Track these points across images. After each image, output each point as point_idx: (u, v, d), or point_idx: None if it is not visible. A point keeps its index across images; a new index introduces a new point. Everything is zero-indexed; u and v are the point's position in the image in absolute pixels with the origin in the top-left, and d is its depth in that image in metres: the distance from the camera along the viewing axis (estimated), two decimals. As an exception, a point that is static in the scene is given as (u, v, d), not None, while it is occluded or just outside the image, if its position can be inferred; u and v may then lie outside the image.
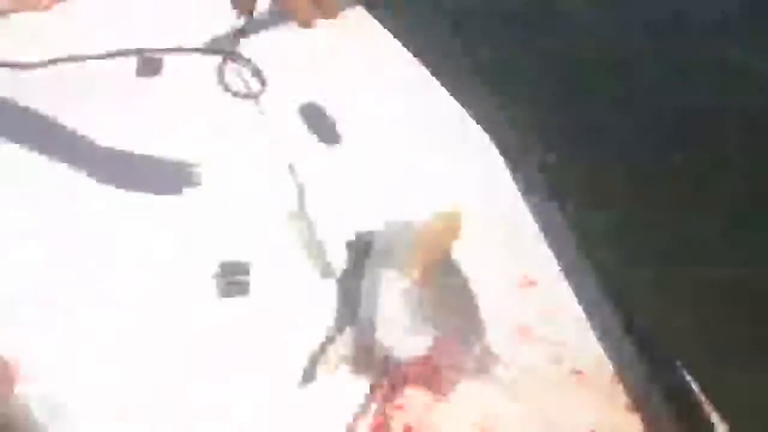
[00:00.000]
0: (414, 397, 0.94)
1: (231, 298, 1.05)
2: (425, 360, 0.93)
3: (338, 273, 1.09)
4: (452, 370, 0.94)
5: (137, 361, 0.97)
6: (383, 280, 0.98)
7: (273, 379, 0.96)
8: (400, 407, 0.93)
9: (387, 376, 0.94)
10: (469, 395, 0.95)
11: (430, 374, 0.94)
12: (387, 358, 0.93)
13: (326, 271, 1.10)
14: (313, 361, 0.96)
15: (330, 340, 0.99)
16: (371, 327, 0.95)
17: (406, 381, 0.94)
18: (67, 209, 1.14)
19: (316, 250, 1.13)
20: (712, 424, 0.88)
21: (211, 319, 1.03)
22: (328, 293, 1.07)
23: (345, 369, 0.97)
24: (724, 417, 0.91)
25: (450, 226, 1.06)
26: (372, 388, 0.94)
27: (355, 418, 0.91)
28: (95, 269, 1.07)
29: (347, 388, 0.95)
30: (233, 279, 1.06)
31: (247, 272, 1.07)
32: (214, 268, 1.08)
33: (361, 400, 0.93)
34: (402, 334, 0.94)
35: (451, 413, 0.94)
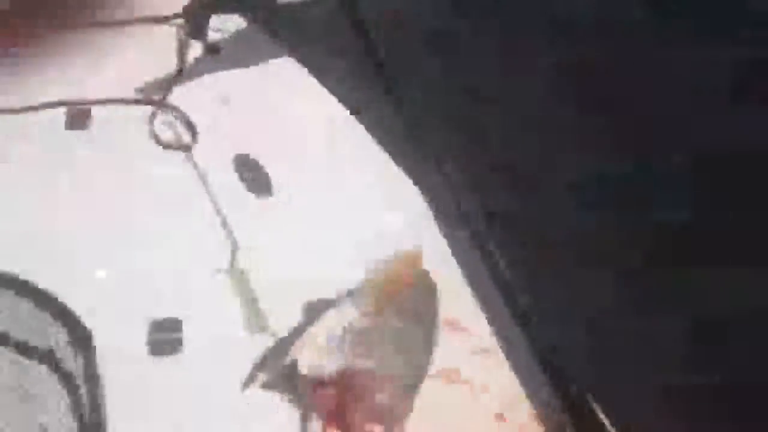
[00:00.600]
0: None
1: (163, 356, 1.06)
2: (330, 386, 0.96)
3: (272, 328, 1.11)
4: (359, 409, 0.96)
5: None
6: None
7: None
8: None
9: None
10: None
11: (337, 407, 0.97)
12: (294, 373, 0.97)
13: (261, 326, 1.12)
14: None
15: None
16: (288, 345, 0.99)
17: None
18: None
19: (250, 304, 1.15)
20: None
21: (143, 377, 1.03)
22: (263, 347, 1.08)
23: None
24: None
25: (410, 264, 1.11)
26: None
27: None
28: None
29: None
30: (165, 336, 1.07)
31: (179, 329, 1.08)
32: (145, 326, 1.08)
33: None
34: (316, 354, 0.97)
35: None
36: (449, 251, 1.29)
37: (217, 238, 1.25)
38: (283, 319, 1.11)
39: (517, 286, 1.17)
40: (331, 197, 1.35)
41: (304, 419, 0.97)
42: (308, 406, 0.98)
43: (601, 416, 1.00)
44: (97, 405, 0.93)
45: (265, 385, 1.02)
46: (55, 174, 1.33)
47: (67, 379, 0.95)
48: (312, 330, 1.01)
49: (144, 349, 1.07)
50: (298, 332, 1.05)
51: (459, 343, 1.13)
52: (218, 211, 1.29)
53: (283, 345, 1.04)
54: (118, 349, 1.05)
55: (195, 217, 1.28)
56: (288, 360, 0.99)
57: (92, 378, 0.95)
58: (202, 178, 1.36)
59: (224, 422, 0.98)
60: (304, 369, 0.97)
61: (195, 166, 1.39)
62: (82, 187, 1.31)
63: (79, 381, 0.95)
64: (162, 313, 1.10)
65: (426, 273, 1.15)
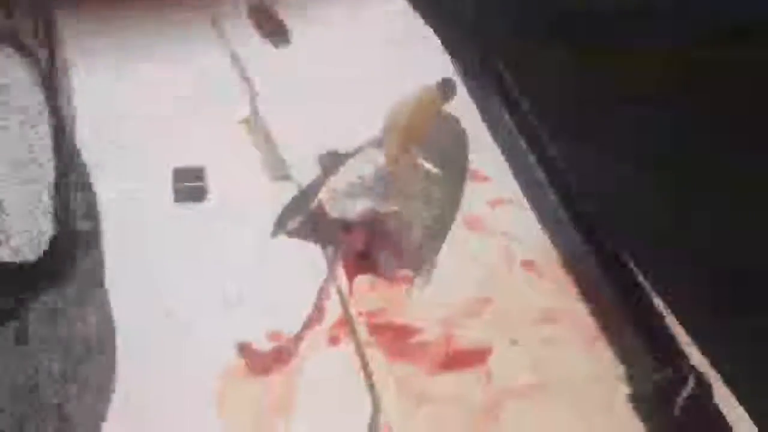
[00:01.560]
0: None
1: (187, 203, 1.04)
2: (357, 228, 0.95)
3: (294, 176, 1.08)
4: (387, 251, 0.95)
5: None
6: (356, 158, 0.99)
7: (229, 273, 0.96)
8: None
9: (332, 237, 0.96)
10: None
11: (365, 249, 0.96)
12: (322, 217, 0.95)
13: (282, 175, 1.10)
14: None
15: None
16: (314, 191, 0.97)
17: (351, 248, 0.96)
18: None
19: (271, 153, 1.12)
20: (661, 313, 0.91)
21: (168, 224, 1.02)
22: (286, 194, 1.06)
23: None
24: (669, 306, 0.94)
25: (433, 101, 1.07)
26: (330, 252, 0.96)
27: (325, 282, 0.93)
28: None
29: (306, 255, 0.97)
30: (188, 185, 1.04)
31: (202, 177, 1.06)
32: (169, 174, 1.06)
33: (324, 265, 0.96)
34: (341, 198, 0.95)
35: (412, 303, 0.95)
36: (473, 102, 1.25)
37: (236, 88, 1.21)
38: (305, 167, 1.08)
39: (544, 137, 1.14)
40: (351, 49, 1.30)
41: (331, 264, 0.96)
42: (335, 250, 0.96)
43: (633, 267, 0.98)
44: None
45: (293, 232, 1.00)
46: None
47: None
48: (338, 174, 0.98)
49: (170, 196, 1.04)
50: (323, 178, 1.02)
51: (483, 193, 1.10)
52: (236, 60, 1.24)
53: (310, 191, 1.01)
54: (143, 198, 1.03)
55: (214, 66, 1.24)
56: (315, 205, 0.96)
57: None
58: (219, 27, 1.30)
59: (250, 268, 0.97)
60: (331, 212, 0.95)
61: (211, 17, 1.33)
62: (96, 40, 1.25)
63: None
64: (185, 161, 1.07)
65: (456, 119, 1.11)
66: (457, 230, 1.03)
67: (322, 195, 0.96)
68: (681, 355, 0.84)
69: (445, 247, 1.00)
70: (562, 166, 1.09)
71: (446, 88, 1.13)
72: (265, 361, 0.85)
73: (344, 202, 0.95)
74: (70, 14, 1.25)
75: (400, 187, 0.98)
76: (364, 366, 0.86)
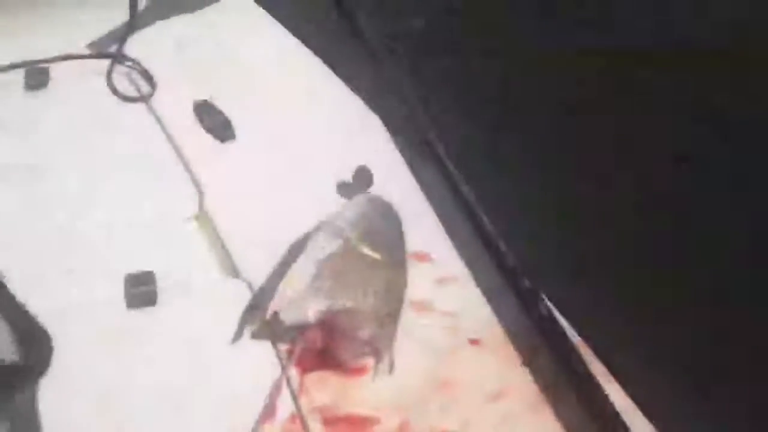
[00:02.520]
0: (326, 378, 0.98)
1: (139, 309, 1.05)
2: (315, 329, 0.97)
3: (243, 273, 1.10)
4: (346, 345, 0.97)
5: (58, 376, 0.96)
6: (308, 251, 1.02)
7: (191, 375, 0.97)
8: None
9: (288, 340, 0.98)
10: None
11: (325, 347, 0.98)
12: (278, 322, 0.97)
13: (232, 271, 1.11)
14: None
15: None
16: (267, 295, 1.00)
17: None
18: None
19: (221, 251, 1.14)
20: (591, 376, 0.93)
21: (122, 330, 1.03)
22: (237, 292, 1.08)
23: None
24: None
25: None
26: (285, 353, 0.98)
27: (275, 386, 0.94)
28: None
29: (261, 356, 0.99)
30: (139, 290, 1.06)
31: (152, 281, 1.07)
32: (120, 281, 1.07)
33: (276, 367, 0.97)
34: (294, 304, 0.97)
35: (365, 394, 0.97)
36: (415, 184, 1.28)
37: (182, 187, 1.23)
38: (255, 263, 1.10)
39: (483, 213, 1.17)
40: (294, 137, 1.33)
41: (284, 363, 0.97)
42: (291, 350, 0.98)
43: (572, 334, 1.01)
44: None
45: (253, 336, 1.01)
46: (18, 135, 1.30)
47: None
48: (287, 277, 1.00)
49: (122, 303, 1.05)
50: (274, 279, 1.05)
51: (428, 273, 1.13)
52: (182, 159, 1.27)
53: (263, 299, 1.03)
54: (95, 305, 1.04)
55: (159, 166, 1.26)
56: (270, 312, 0.98)
57: None
58: (164, 127, 1.33)
59: (206, 370, 0.98)
60: (287, 320, 0.97)
61: (156, 115, 1.36)
62: (44, 146, 1.28)
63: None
64: (136, 266, 1.08)
65: (389, 204, 1.14)
66: (405, 314, 1.05)
67: (276, 304, 0.98)
68: (622, 427, 0.86)
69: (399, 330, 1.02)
70: (501, 242, 1.12)
71: (362, 176, 1.17)
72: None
73: (297, 308, 0.97)
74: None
75: (348, 280, 1.00)
76: (318, 462, 0.87)
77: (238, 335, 1.01)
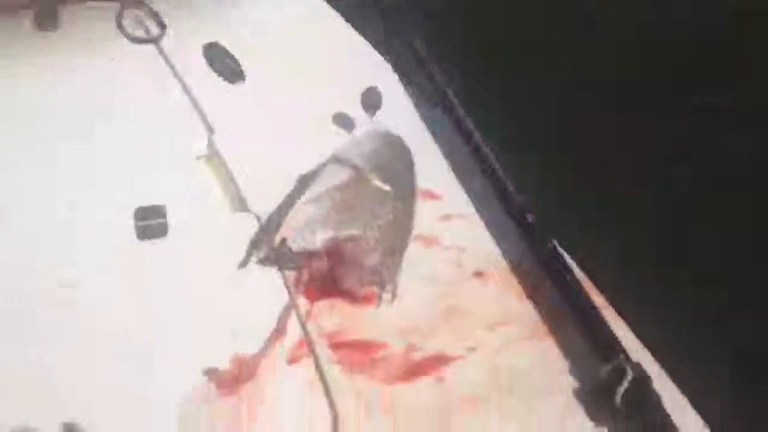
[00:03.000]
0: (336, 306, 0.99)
1: (150, 240, 1.07)
2: (321, 256, 0.98)
3: (252, 207, 1.12)
4: (351, 273, 0.98)
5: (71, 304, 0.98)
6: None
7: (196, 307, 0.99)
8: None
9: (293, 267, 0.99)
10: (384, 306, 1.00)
11: (331, 274, 0.99)
12: (286, 249, 0.98)
13: (242, 205, 1.13)
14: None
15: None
16: (276, 223, 1.01)
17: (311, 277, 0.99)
18: None
19: (230, 186, 1.16)
20: (600, 312, 0.95)
21: (133, 260, 1.04)
22: (246, 224, 1.09)
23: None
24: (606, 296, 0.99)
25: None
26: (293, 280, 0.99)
27: (285, 309, 0.96)
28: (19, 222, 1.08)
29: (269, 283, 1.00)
30: (150, 222, 1.08)
31: (163, 215, 1.09)
32: (131, 214, 1.09)
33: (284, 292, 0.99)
34: (302, 231, 0.99)
35: (372, 320, 0.99)
36: (422, 124, 1.29)
37: (193, 126, 1.24)
38: (263, 197, 1.12)
39: (491, 152, 1.18)
40: (302, 79, 1.34)
41: (294, 290, 0.99)
42: (299, 277, 0.99)
43: (576, 267, 1.02)
44: None
45: (259, 262, 1.03)
46: (28, 75, 1.31)
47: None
48: (296, 206, 1.02)
49: (132, 234, 1.07)
50: (283, 209, 1.06)
51: (435, 210, 1.14)
52: (191, 99, 1.28)
53: (271, 226, 1.05)
54: (106, 236, 1.06)
55: (169, 106, 1.27)
56: (278, 238, 1.00)
57: None
58: (173, 67, 1.34)
59: (214, 297, 1.00)
60: (294, 246, 0.99)
61: (165, 57, 1.37)
62: (54, 87, 1.29)
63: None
64: (146, 200, 1.10)
65: (399, 138, 1.15)
66: (411, 247, 1.07)
67: (284, 231, 0.99)
68: (620, 350, 0.88)
69: (404, 263, 1.04)
70: (507, 180, 1.13)
71: (371, 98, 1.17)
72: (229, 380, 0.88)
73: (305, 234, 0.98)
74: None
75: (356, 210, 1.02)
76: (324, 382, 0.89)
77: (245, 261, 1.02)
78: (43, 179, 1.13)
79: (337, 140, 1.14)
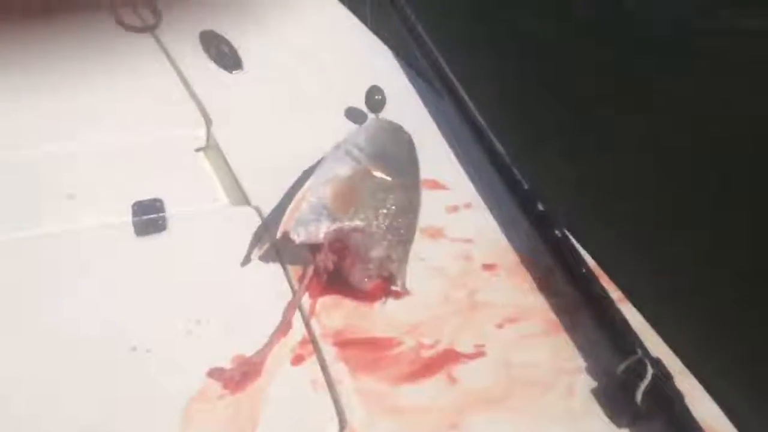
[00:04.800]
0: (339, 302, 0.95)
1: (149, 235, 1.02)
2: (326, 248, 0.94)
3: (253, 200, 1.07)
4: (357, 265, 0.94)
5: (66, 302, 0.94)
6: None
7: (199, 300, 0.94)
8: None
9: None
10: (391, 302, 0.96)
11: (337, 267, 0.94)
12: (288, 242, 0.94)
13: (242, 198, 1.08)
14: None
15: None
16: (277, 217, 0.96)
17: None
18: None
19: (229, 179, 1.11)
20: (617, 306, 0.90)
21: (132, 256, 1.00)
22: (246, 218, 1.05)
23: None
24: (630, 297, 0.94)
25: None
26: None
27: (289, 305, 0.92)
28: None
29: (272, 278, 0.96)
30: (148, 217, 1.03)
31: (161, 209, 1.04)
32: (128, 208, 1.04)
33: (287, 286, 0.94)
34: (305, 223, 0.94)
35: (379, 317, 0.94)
36: (426, 113, 1.24)
37: (190, 116, 1.19)
38: (265, 190, 1.07)
39: (496, 140, 1.13)
40: (301, 66, 1.29)
41: (299, 284, 0.94)
42: (304, 271, 0.95)
43: (586, 256, 0.97)
44: None
45: (262, 258, 0.98)
46: (23, 64, 1.26)
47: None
48: (297, 198, 0.97)
49: (130, 230, 1.02)
50: (284, 203, 1.01)
51: (440, 201, 1.09)
52: (189, 89, 1.23)
53: (273, 219, 1.00)
54: (105, 230, 1.02)
55: (166, 96, 1.22)
56: (280, 231, 0.95)
57: None
58: (170, 56, 1.29)
59: (216, 294, 0.95)
60: (297, 239, 0.94)
61: (162, 45, 1.32)
62: (49, 75, 1.24)
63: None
64: (144, 195, 1.05)
65: (400, 127, 1.10)
66: (418, 240, 1.02)
67: (286, 223, 0.94)
68: (639, 345, 0.83)
69: (411, 255, 0.99)
70: (514, 167, 1.08)
71: (375, 97, 1.12)
72: (234, 380, 0.84)
73: (308, 226, 0.93)
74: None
75: (359, 201, 0.97)
76: (329, 382, 0.85)
77: (247, 258, 0.98)
78: (40, 172, 1.09)
79: (339, 131, 1.09)
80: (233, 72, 1.28)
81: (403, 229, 0.99)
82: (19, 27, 1.35)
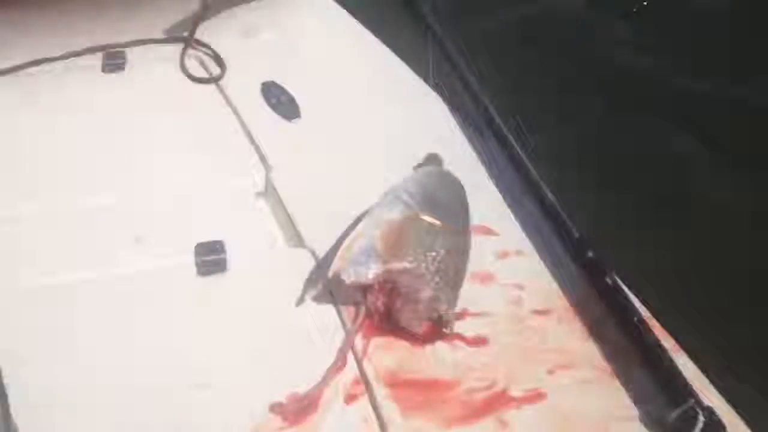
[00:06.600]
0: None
1: (210, 275, 1.05)
2: (376, 289, 0.95)
3: (308, 242, 1.09)
4: (406, 306, 0.95)
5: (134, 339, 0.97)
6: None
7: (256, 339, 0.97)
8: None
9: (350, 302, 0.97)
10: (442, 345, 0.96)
11: (387, 308, 0.96)
12: (339, 283, 0.96)
13: (298, 241, 1.11)
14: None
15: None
16: (330, 259, 0.99)
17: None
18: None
19: (286, 222, 1.14)
20: (668, 353, 0.90)
21: (194, 296, 1.03)
22: (302, 260, 1.07)
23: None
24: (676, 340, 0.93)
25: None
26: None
27: (344, 343, 0.93)
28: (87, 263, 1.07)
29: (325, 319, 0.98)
30: (210, 258, 1.06)
31: (222, 250, 1.07)
32: (191, 249, 1.07)
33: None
34: (355, 265, 0.96)
35: (430, 359, 0.95)
36: (476, 159, 1.26)
37: (250, 162, 1.23)
38: (319, 232, 1.09)
39: (545, 185, 1.14)
40: (357, 115, 1.33)
41: (352, 323, 0.96)
42: (356, 311, 0.97)
43: (637, 303, 0.97)
44: None
45: (315, 299, 1.01)
46: (95, 115, 1.32)
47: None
48: (349, 241, 0.99)
49: (193, 270, 1.06)
50: (337, 247, 1.03)
51: (490, 247, 1.10)
52: (249, 136, 1.27)
53: (325, 261, 1.02)
54: (170, 271, 1.05)
55: (228, 143, 1.27)
56: (331, 275, 0.98)
57: None
58: (232, 106, 1.34)
59: (272, 333, 0.98)
60: (348, 280, 0.96)
61: (225, 95, 1.37)
62: (119, 125, 1.30)
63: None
64: (206, 237, 1.09)
65: (450, 173, 1.11)
66: (468, 285, 1.03)
67: (337, 265, 0.97)
68: (691, 393, 0.82)
69: (460, 301, 1.00)
70: (565, 213, 1.09)
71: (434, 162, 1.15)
72: (294, 413, 0.86)
73: (358, 268, 0.96)
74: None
75: (408, 244, 0.98)
76: (380, 421, 0.86)
77: (301, 299, 1.00)
78: (112, 216, 1.13)
79: (391, 179, 1.11)
80: (292, 120, 1.32)
81: (452, 272, 1.00)
82: (92, 77, 1.42)
